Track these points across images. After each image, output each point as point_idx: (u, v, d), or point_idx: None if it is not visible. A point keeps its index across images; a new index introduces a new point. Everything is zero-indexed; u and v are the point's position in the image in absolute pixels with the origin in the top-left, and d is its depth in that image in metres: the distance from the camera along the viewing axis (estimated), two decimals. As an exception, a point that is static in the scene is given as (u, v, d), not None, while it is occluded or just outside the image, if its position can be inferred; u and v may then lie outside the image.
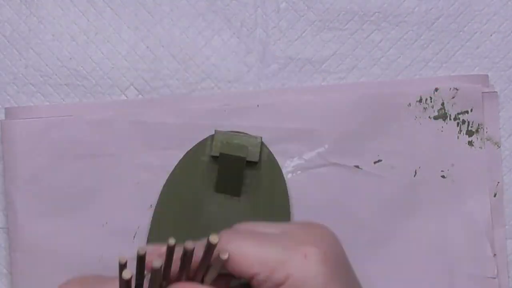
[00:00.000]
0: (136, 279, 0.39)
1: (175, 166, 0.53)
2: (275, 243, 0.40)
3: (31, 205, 0.53)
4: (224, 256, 0.39)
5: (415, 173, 0.53)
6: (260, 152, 0.52)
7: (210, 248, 0.39)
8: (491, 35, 0.55)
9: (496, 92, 0.54)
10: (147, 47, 0.54)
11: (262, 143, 0.52)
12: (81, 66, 0.54)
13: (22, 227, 0.52)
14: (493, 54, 0.55)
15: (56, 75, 0.54)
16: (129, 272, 0.36)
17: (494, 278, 0.53)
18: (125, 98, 0.54)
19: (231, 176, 0.52)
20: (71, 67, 0.54)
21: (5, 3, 0.54)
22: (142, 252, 0.37)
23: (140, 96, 0.54)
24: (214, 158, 0.52)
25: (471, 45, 0.55)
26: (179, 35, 0.55)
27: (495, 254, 0.53)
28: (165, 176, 0.53)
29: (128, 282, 0.37)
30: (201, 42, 0.55)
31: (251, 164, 0.52)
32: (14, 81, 0.54)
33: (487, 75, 0.54)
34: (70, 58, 0.54)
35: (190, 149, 0.53)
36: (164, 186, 0.53)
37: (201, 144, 0.53)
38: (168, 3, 0.55)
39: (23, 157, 0.53)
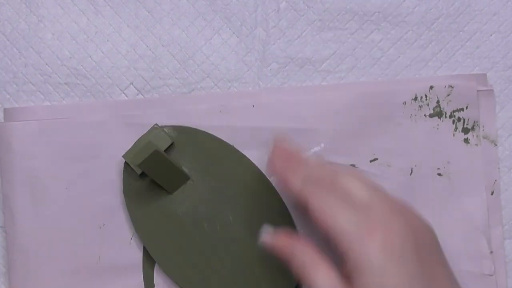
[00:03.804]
0: None
1: (124, 195, 0.52)
2: (353, 212, 0.42)
3: (28, 207, 0.52)
4: None
5: (411, 171, 0.54)
6: (166, 135, 0.52)
7: None
8: (491, 35, 0.55)
9: (492, 90, 0.54)
10: (147, 46, 0.54)
11: (158, 128, 0.52)
12: (81, 65, 0.54)
13: (19, 229, 0.52)
14: (493, 54, 0.55)
15: (56, 74, 0.54)
16: None
17: (491, 275, 0.53)
18: (125, 97, 0.54)
19: (167, 172, 0.51)
20: (71, 66, 0.54)
21: (5, 2, 0.54)
22: None
23: (140, 95, 0.54)
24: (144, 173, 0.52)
25: (471, 45, 0.55)
26: (179, 34, 0.55)
27: (491, 252, 0.53)
28: None
29: None
30: (201, 41, 0.55)
31: (172, 147, 0.52)
32: (13, 80, 0.54)
33: (485, 74, 0.54)
34: (70, 57, 0.54)
35: (124, 176, 0.52)
36: (130, 214, 0.52)
37: (125, 170, 0.52)
38: (168, 2, 0.54)
39: (20, 159, 0.53)
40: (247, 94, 0.54)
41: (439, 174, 0.54)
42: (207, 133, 0.53)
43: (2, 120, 0.54)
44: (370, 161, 0.53)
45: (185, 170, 0.52)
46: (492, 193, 0.54)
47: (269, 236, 0.47)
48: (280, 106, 0.53)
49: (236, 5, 0.55)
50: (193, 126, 0.53)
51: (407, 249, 0.42)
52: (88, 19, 0.54)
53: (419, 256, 0.42)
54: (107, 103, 0.54)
